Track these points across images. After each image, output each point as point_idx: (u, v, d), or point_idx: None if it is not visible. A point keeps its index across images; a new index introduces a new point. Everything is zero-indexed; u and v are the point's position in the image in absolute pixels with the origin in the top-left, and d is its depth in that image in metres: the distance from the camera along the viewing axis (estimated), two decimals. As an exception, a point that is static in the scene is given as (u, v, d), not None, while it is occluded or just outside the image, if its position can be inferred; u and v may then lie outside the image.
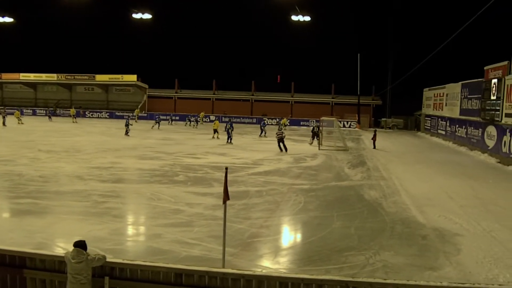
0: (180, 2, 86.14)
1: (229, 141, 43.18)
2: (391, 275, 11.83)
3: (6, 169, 26.27)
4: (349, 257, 13.41)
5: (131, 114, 76.37)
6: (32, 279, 9.48)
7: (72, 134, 49.46)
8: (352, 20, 79.92)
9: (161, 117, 66.86)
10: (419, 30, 72.98)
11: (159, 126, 60.81)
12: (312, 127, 46.07)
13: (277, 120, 69.88)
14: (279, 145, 38.81)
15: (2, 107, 65.50)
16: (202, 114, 73.55)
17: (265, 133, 53.67)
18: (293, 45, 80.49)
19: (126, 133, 48.16)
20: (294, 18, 70.54)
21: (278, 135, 39.64)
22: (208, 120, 73.91)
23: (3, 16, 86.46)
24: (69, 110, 74.41)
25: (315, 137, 44.27)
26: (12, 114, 64.93)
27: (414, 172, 29.90)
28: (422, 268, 12.76)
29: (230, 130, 44.41)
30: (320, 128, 43.92)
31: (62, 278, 9.06)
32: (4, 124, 57.41)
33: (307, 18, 70.79)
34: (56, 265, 9.34)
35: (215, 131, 48.34)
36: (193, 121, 68.83)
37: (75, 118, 70.06)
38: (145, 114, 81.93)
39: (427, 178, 27.46)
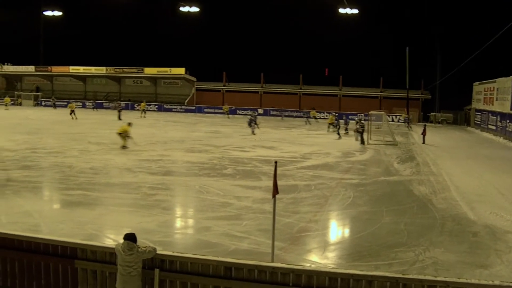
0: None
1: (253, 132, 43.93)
2: (441, 272, 11.69)
3: (56, 161, 26.65)
4: (398, 253, 13.31)
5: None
6: (83, 269, 9.54)
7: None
8: (401, 12, 79.16)
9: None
10: (470, 23, 71.98)
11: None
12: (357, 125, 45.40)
13: (334, 115, 69.58)
14: (361, 138, 38.99)
15: (118, 102, 66.67)
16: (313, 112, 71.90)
17: (309, 122, 54.42)
18: (341, 38, 79.95)
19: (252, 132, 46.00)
20: (341, 11, 70.24)
21: (361, 127, 39.48)
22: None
23: (52, 10, 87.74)
24: (140, 105, 73.23)
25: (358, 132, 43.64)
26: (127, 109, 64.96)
27: (464, 168, 29.51)
28: (472, 266, 12.60)
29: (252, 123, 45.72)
30: (358, 123, 43.56)
31: (113, 269, 9.11)
32: (119, 118, 57.50)
33: (355, 11, 70.44)
34: (107, 256, 9.40)
35: (330, 125, 49.02)
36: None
37: (144, 112, 67.74)
38: (193, 107, 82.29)
39: (477, 174, 27.07)
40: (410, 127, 57.17)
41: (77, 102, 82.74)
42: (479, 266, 12.59)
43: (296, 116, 74.88)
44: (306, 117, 65.05)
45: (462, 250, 13.84)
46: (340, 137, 43.51)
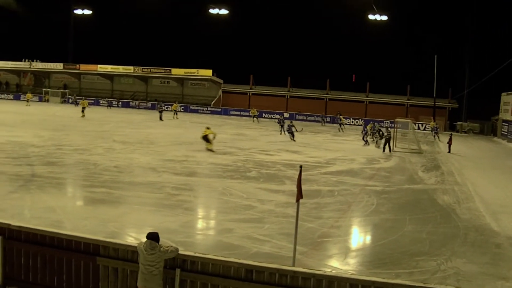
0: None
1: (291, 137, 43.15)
2: (463, 283, 11.63)
3: (82, 158, 26.83)
4: (420, 262, 13.24)
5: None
6: (105, 267, 9.60)
7: (146, 126, 50.08)
8: (430, 20, 78.80)
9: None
10: (499, 33, 71.54)
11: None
12: (374, 129, 44.98)
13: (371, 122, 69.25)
14: (388, 145, 38.88)
15: (160, 103, 66.99)
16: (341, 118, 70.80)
17: (342, 130, 54.64)
18: (369, 44, 79.77)
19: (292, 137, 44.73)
20: (371, 17, 70.10)
21: (388, 135, 39.33)
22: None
23: (82, 9, 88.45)
24: (171, 106, 71.85)
25: (376, 139, 43.46)
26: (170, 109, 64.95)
27: (489, 178, 29.28)
28: (494, 278, 12.50)
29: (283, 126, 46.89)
30: (381, 129, 43.41)
31: (134, 267, 9.15)
32: (161, 118, 58.17)
33: (384, 18, 70.27)
34: (129, 254, 9.45)
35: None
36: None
37: (176, 114, 66.08)
38: (219, 109, 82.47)
39: (503, 185, 26.86)
40: (438, 137, 55.99)
41: (103, 100, 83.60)
42: (501, 278, 12.50)
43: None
44: (339, 124, 62.94)
45: (484, 261, 13.73)
46: (366, 144, 43.29)
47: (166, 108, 62.82)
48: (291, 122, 43.78)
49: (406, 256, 13.68)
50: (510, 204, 21.87)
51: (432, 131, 58.02)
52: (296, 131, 43.35)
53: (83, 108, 57.08)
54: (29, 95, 77.02)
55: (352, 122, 72.81)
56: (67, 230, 11.51)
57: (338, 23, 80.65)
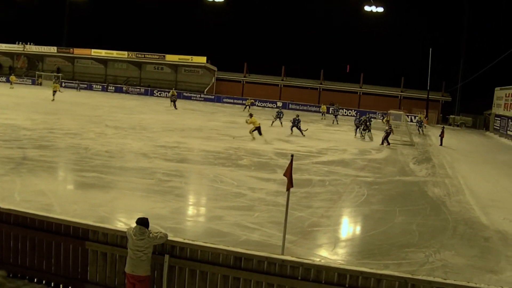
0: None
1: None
2: (451, 275, 11.64)
3: (73, 142, 26.75)
4: (409, 254, 13.29)
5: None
6: (94, 251, 9.61)
7: (139, 112, 49.96)
8: (426, 13, 78.79)
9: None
10: (494, 27, 71.62)
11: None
12: (357, 119, 44.51)
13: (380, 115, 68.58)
14: (385, 139, 38.61)
15: (173, 91, 64.20)
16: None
17: (337, 121, 54.56)
18: (365, 35, 79.77)
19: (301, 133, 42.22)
20: (367, 8, 70.04)
21: (390, 129, 39.14)
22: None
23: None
24: (169, 92, 69.31)
25: (365, 129, 42.41)
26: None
27: (480, 172, 29.39)
28: (482, 271, 12.57)
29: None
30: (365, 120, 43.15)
31: (123, 252, 9.16)
32: (175, 107, 57.35)
33: (380, 9, 70.22)
34: (118, 239, 9.45)
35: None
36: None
37: (174, 103, 60.39)
38: (213, 96, 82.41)
39: (493, 179, 26.97)
40: (422, 130, 54.86)
41: (96, 85, 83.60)
42: (489, 271, 12.55)
43: (315, 111, 74.67)
44: (335, 115, 60.11)
45: (473, 254, 13.80)
46: (356, 136, 42.92)
47: (176, 97, 60.28)
48: (297, 116, 41.44)
49: (395, 248, 13.71)
50: (500, 198, 21.97)
51: (416, 124, 57.61)
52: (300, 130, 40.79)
53: (54, 91, 55.11)
54: (12, 77, 75.53)
55: (345, 113, 72.71)
56: (56, 214, 11.49)
57: (334, 13, 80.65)
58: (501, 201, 21.26)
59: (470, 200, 20.73)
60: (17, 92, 62.86)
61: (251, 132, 34.57)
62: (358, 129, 42.37)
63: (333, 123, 55.49)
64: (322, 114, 62.26)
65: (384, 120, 41.60)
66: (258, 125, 34.72)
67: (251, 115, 36.18)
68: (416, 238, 14.73)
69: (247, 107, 63.73)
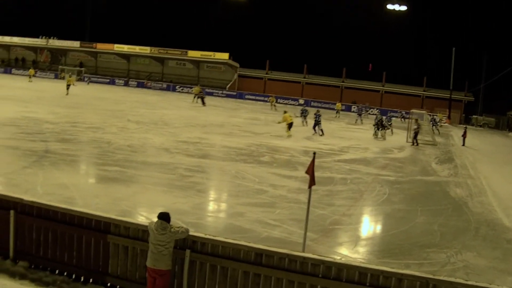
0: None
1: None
2: (472, 276, 11.55)
3: (96, 136, 26.88)
4: (430, 254, 13.23)
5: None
6: (115, 244, 9.62)
7: (161, 107, 50.05)
8: (449, 12, 78.43)
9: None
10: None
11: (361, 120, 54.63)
12: (377, 118, 43.18)
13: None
14: (415, 137, 38.31)
15: (201, 88, 63.52)
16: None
17: (361, 120, 54.32)
18: (387, 34, 79.63)
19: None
20: (390, 7, 69.80)
21: (418, 128, 38.78)
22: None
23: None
24: (192, 88, 67.98)
25: (379, 128, 41.95)
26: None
27: (502, 173, 29.17)
28: (504, 273, 12.48)
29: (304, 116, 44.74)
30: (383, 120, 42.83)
31: (144, 246, 9.16)
32: (203, 103, 56.36)
33: (403, 8, 69.95)
34: (139, 233, 9.46)
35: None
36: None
37: (199, 98, 59.04)
38: (235, 93, 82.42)
39: (516, 181, 26.79)
40: (438, 130, 52.44)
41: (119, 79, 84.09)
42: (511, 273, 12.46)
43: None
44: (359, 114, 57.32)
45: (495, 256, 13.71)
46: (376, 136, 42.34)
47: (205, 94, 60.29)
48: (318, 111, 40.32)
49: (416, 247, 13.66)
50: (523, 200, 21.79)
51: (431, 122, 56.54)
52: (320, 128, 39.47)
53: (68, 85, 53.48)
54: (31, 71, 75.38)
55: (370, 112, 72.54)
56: (79, 207, 11.51)
57: (357, 12, 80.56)
58: (524, 203, 21.10)
59: (493, 201, 20.59)
60: (40, 85, 63.25)
61: (287, 131, 34.69)
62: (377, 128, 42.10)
63: (356, 122, 54.46)
64: (337, 112, 61.41)
65: (412, 119, 40.82)
66: (290, 121, 34.77)
67: (285, 112, 36.24)
68: (438, 238, 14.65)
69: (273, 106, 62.77)
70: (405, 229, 15.29)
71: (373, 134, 41.07)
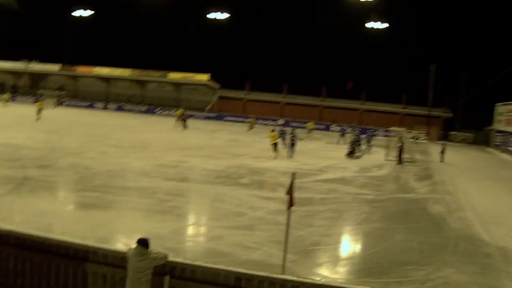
0: (256, 4, 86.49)
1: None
2: (452, 292, 11.67)
3: (75, 162, 26.76)
4: (409, 271, 13.30)
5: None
6: (94, 273, 9.61)
7: (140, 130, 49.95)
8: (428, 30, 79.03)
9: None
10: (496, 44, 71.83)
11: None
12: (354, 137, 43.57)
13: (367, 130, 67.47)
14: (399, 156, 38.32)
15: (183, 110, 60.80)
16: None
17: (344, 141, 51.54)
18: (366, 52, 79.96)
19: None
20: (369, 25, 70.23)
21: (402, 145, 38.71)
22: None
23: (84, 9, 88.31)
24: (175, 111, 64.58)
25: (355, 148, 41.73)
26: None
27: (481, 189, 29.43)
28: (484, 287, 12.55)
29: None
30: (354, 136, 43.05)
31: (123, 274, 9.16)
32: (185, 126, 54.88)
33: (382, 26, 70.40)
34: (118, 260, 9.46)
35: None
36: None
37: (182, 120, 57.19)
38: (214, 114, 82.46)
39: (494, 195, 27.07)
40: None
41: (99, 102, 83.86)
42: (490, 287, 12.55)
43: (316, 129, 74.79)
44: (342, 134, 55.19)
45: (474, 271, 13.83)
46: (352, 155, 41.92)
47: (187, 116, 58.43)
48: (293, 130, 40.36)
49: (396, 265, 13.74)
50: (501, 214, 22.02)
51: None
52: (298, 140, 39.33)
53: (39, 109, 51.32)
54: (5, 96, 73.58)
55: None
56: (57, 234, 11.48)
57: (336, 30, 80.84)
58: (502, 217, 21.31)
59: (471, 217, 20.78)
60: (19, 110, 62.86)
61: (274, 150, 35.03)
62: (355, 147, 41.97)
63: (338, 142, 52.34)
64: (308, 132, 60.53)
65: (398, 138, 40.74)
66: (275, 141, 34.90)
67: (272, 131, 36.30)
68: (417, 255, 14.76)
69: (251, 127, 62.08)
70: (384, 247, 15.38)
71: (348, 154, 40.84)
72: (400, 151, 38.07)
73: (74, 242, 9.91)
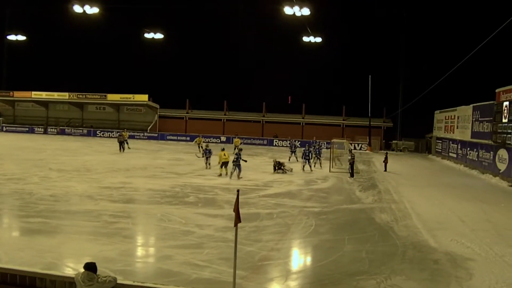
0: (191, 23, 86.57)
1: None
2: (403, 300, 11.76)
3: (17, 188, 26.35)
4: (360, 281, 13.36)
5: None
6: (42, 300, 9.46)
7: (82, 153, 49.42)
8: (364, 41, 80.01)
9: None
10: (431, 52, 73.11)
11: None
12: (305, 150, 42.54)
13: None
14: (351, 169, 38.32)
15: (120, 132, 59.91)
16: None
17: (296, 157, 49.36)
18: (304, 66, 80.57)
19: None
20: (305, 39, 70.69)
21: (351, 158, 38.84)
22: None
23: (16, 34, 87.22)
24: (122, 133, 60.02)
25: (307, 161, 41.40)
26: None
27: (425, 195, 29.75)
28: (434, 293, 12.71)
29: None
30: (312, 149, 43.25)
31: (72, 300, 9.03)
32: (121, 149, 52.72)
33: (318, 40, 70.92)
34: (66, 286, 9.33)
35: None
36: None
37: (126, 144, 55.51)
38: (156, 134, 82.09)
39: (438, 202, 27.36)
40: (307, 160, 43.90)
41: (38, 127, 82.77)
42: (440, 294, 12.70)
43: (259, 144, 75.10)
44: (292, 151, 51.53)
45: (423, 277, 13.96)
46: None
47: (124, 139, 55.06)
48: (238, 150, 37.76)
49: (346, 276, 13.78)
50: (446, 220, 22.30)
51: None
52: (245, 161, 37.29)
53: None
54: None
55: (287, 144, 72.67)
56: (2, 262, 11.28)
57: (273, 45, 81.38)
58: (447, 223, 21.58)
59: (417, 224, 21.02)
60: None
61: (220, 168, 34.89)
62: (306, 160, 41.90)
63: (289, 159, 48.85)
64: (235, 148, 59.35)
65: (348, 151, 40.76)
66: (225, 160, 34.79)
67: (222, 149, 36.11)
68: (367, 265, 14.83)
69: (200, 148, 59.61)
70: (333, 259, 15.42)
71: (302, 168, 41.01)
72: (352, 164, 38.23)
73: (20, 269, 9.73)
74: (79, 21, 70.47)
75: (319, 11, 65.44)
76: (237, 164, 34.50)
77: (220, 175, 34.46)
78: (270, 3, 61.77)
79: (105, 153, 50.11)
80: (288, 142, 61.22)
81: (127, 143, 55.63)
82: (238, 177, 34.21)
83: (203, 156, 39.81)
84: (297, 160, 46.70)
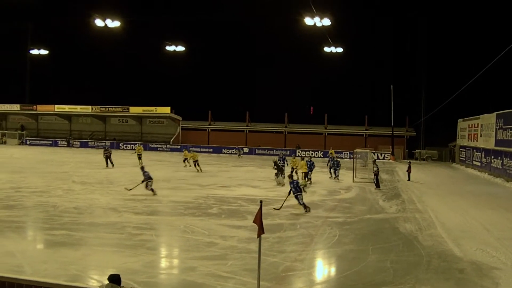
0: (212, 35, 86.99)
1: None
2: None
3: (41, 201, 26.50)
4: (384, 292, 13.26)
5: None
6: (67, 312, 9.46)
7: (105, 166, 49.54)
8: (386, 51, 79.91)
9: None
10: (453, 60, 72.77)
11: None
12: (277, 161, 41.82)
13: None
14: (376, 180, 37.67)
15: (105, 146, 59.20)
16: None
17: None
18: (326, 76, 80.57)
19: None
20: (326, 49, 70.69)
21: (376, 169, 38.13)
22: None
23: (39, 49, 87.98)
24: (135, 147, 61.81)
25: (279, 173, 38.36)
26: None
27: (449, 204, 29.57)
28: (459, 303, 12.61)
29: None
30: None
31: (97, 311, 9.03)
32: (107, 164, 49.63)
33: (340, 50, 70.92)
34: (90, 298, 9.32)
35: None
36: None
37: (139, 159, 54.01)
38: (179, 146, 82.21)
39: (463, 210, 27.16)
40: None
41: (61, 140, 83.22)
42: (465, 304, 12.59)
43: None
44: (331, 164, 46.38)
45: (448, 287, 13.92)
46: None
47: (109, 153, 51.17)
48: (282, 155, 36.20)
49: (370, 286, 13.73)
50: (471, 228, 22.14)
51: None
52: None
53: None
54: None
55: (312, 154, 72.60)
56: (27, 275, 11.33)
57: (294, 56, 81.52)
58: (472, 232, 21.43)
59: (442, 233, 20.87)
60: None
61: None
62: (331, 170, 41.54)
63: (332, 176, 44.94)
64: (239, 155, 59.15)
65: (373, 163, 40.05)
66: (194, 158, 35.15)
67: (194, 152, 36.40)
68: (391, 275, 14.74)
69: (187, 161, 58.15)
70: (357, 269, 15.35)
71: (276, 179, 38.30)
72: (376, 175, 37.90)
73: (45, 281, 9.74)
74: (100, 35, 71.07)
75: (340, 22, 65.50)
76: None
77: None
78: (291, 14, 61.72)
79: (128, 165, 50.21)
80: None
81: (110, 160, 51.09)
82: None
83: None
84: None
